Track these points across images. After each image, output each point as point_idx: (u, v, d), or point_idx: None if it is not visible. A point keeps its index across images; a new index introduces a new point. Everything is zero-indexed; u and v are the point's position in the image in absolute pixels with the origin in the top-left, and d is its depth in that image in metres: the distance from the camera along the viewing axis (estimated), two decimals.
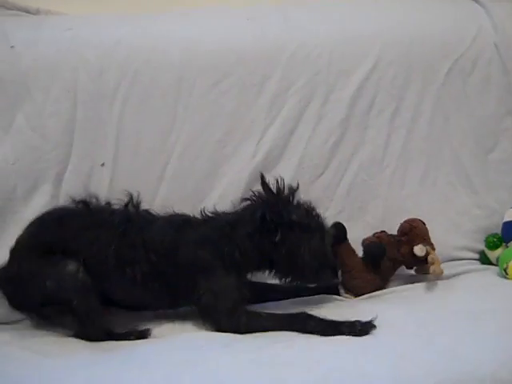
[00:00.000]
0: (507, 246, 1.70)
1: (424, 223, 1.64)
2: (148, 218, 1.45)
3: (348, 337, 1.34)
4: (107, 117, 1.59)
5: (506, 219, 1.72)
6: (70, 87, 1.57)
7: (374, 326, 1.34)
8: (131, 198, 1.45)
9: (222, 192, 1.62)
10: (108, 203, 1.46)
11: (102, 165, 1.57)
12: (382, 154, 1.71)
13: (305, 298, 1.55)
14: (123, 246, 1.40)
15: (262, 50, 1.67)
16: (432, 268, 1.59)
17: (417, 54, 1.74)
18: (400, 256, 1.61)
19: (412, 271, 1.66)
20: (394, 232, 1.65)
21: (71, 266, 1.36)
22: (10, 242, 1.46)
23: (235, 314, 1.38)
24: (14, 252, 1.43)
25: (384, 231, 1.65)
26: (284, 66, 1.67)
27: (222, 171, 1.63)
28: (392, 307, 1.50)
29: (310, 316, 1.38)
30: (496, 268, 1.68)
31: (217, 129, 1.64)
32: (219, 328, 1.38)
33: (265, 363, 1.24)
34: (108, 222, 1.42)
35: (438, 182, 1.74)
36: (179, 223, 1.44)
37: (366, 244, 1.58)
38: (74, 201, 1.45)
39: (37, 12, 1.77)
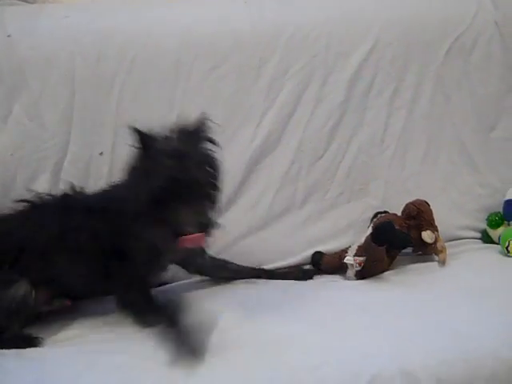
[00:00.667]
0: (509, 225, 1.70)
1: (429, 205, 1.64)
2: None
3: (351, 318, 1.33)
4: (105, 104, 1.58)
5: (508, 197, 1.72)
6: (68, 75, 1.56)
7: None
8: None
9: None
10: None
11: (101, 154, 1.57)
12: (381, 135, 1.70)
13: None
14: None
15: (260, 34, 1.66)
16: (442, 256, 1.59)
17: (416, 34, 1.73)
18: None
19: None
20: (397, 212, 1.64)
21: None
22: None
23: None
24: None
25: (386, 211, 1.64)
26: (282, 49, 1.66)
27: (220, 155, 1.62)
28: (394, 287, 1.50)
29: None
30: (498, 247, 1.68)
31: (215, 113, 1.61)
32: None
33: None
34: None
35: (440, 162, 1.73)
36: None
37: (379, 224, 1.56)
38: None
39: (34, 1, 1.76)
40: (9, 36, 1.56)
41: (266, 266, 1.59)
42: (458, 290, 1.44)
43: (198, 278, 1.54)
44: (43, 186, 1.52)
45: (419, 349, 1.23)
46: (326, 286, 1.54)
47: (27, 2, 1.76)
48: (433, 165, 1.73)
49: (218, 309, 1.37)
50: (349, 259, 1.54)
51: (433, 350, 1.23)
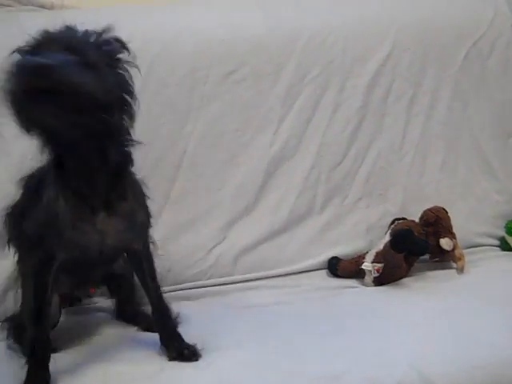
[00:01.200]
0: None
1: (447, 212, 1.63)
2: None
3: (370, 325, 1.33)
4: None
5: None
6: None
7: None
8: None
9: (240, 181, 1.61)
10: None
11: None
12: (400, 141, 1.70)
13: None
14: None
15: (276, 39, 1.66)
16: (460, 263, 1.59)
17: (433, 39, 1.73)
18: None
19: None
20: (415, 219, 1.64)
21: None
22: None
23: None
24: None
25: (404, 218, 1.64)
26: (299, 54, 1.66)
27: (239, 160, 1.62)
28: (413, 294, 1.50)
29: None
30: None
31: (233, 118, 1.63)
32: None
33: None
34: None
35: (458, 168, 1.73)
36: None
37: (398, 231, 1.56)
38: None
39: (51, 7, 1.77)
40: None
41: (285, 269, 1.59)
42: (476, 297, 1.43)
43: None
44: None
45: (439, 356, 1.22)
46: (344, 291, 1.54)
47: (45, 7, 1.77)
48: (451, 171, 1.73)
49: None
50: (367, 265, 1.54)
51: (452, 358, 1.21)
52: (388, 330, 1.30)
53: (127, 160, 1.17)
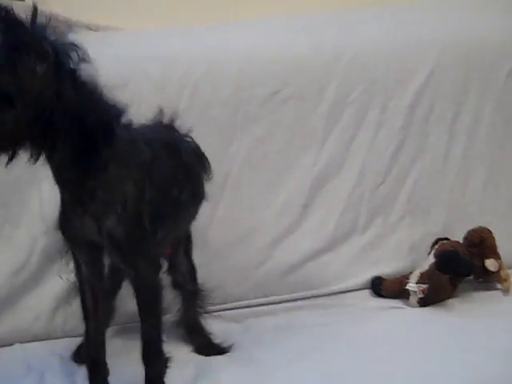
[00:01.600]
0: None
1: (491, 232, 1.64)
2: None
3: (417, 348, 1.34)
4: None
5: None
6: (135, 101, 1.56)
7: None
8: None
9: (284, 200, 1.63)
10: None
11: None
12: (442, 160, 1.71)
13: None
14: None
15: (320, 59, 1.68)
16: (506, 285, 1.60)
17: (475, 57, 1.73)
18: None
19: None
20: (458, 239, 1.65)
21: None
22: None
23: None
24: None
25: (447, 238, 1.64)
26: (341, 74, 1.67)
27: (283, 180, 1.64)
28: (460, 316, 1.50)
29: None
30: None
31: (277, 138, 1.65)
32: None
33: None
34: None
35: (501, 188, 1.73)
36: None
37: (445, 252, 1.57)
38: None
39: (97, 28, 1.81)
40: None
41: (330, 288, 1.61)
42: None
43: None
44: None
45: (488, 381, 1.22)
46: (388, 312, 1.54)
47: (91, 29, 1.81)
48: (494, 191, 1.73)
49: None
50: (412, 286, 1.55)
51: (499, 380, 1.22)
52: (437, 354, 1.31)
53: (93, 151, 1.09)
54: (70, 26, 1.76)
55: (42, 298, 1.50)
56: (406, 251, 1.67)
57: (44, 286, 1.51)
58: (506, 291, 1.60)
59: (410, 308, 1.55)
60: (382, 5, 1.87)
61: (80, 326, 1.34)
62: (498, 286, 1.62)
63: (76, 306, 1.39)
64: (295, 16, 1.79)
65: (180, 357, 1.30)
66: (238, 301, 1.57)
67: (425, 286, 1.53)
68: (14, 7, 1.62)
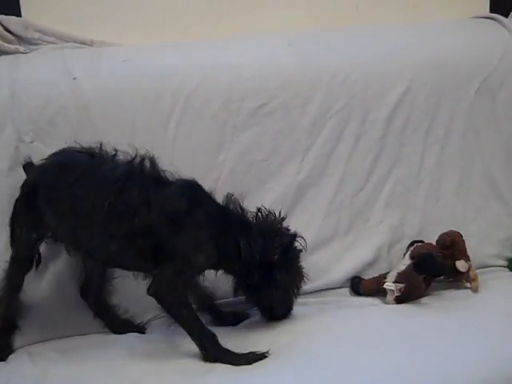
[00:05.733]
0: None
1: (461, 235, 1.75)
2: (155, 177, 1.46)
3: (395, 340, 1.44)
4: (163, 140, 1.69)
5: None
6: (129, 115, 1.67)
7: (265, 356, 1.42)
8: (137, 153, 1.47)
9: (269, 206, 1.67)
10: (114, 155, 1.49)
11: None
12: (417, 168, 1.81)
13: None
14: (119, 200, 1.41)
15: (304, 75, 1.78)
16: (475, 284, 1.70)
17: (447, 75, 1.84)
18: None
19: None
20: (431, 241, 1.76)
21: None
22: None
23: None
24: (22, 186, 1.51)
25: (422, 240, 1.76)
26: (324, 89, 1.77)
27: (268, 187, 1.74)
28: (433, 312, 1.61)
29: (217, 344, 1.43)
30: None
31: (263, 148, 1.75)
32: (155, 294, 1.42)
33: None
34: (107, 176, 1.44)
35: (471, 194, 1.84)
36: (195, 195, 1.46)
37: (421, 254, 1.68)
38: (81, 148, 1.50)
39: (91, 43, 1.87)
40: (75, 79, 1.67)
41: (312, 285, 1.70)
42: (492, 315, 1.55)
43: None
44: None
45: (462, 369, 1.33)
46: (368, 309, 1.65)
47: (86, 44, 1.89)
48: (465, 197, 1.84)
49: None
50: (389, 285, 1.65)
51: (475, 371, 1.33)
52: (414, 347, 1.41)
53: None
54: (66, 40, 1.86)
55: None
56: (385, 253, 1.78)
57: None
58: (474, 290, 1.70)
59: (386, 305, 1.66)
60: (361, 23, 1.99)
61: None
62: (467, 285, 1.72)
63: None
64: (281, 33, 1.89)
65: None
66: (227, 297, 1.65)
67: (401, 285, 1.64)
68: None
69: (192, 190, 1.48)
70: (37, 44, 1.82)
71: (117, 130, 1.66)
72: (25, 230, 1.48)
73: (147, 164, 1.47)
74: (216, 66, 1.77)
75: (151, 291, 1.42)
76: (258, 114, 1.74)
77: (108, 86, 1.70)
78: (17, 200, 1.51)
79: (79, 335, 1.61)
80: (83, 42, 1.88)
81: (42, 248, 1.54)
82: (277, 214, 1.53)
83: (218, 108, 1.73)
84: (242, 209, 1.51)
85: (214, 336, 1.43)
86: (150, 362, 1.44)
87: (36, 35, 1.82)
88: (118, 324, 1.62)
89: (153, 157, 1.49)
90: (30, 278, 1.54)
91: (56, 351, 1.53)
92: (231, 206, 1.50)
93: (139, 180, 1.45)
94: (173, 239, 1.41)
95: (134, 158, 1.48)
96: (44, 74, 1.70)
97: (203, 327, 1.44)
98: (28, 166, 1.53)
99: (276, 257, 1.46)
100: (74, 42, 1.87)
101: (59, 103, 1.65)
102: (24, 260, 1.51)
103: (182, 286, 1.43)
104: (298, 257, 1.54)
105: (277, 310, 1.55)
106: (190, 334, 1.43)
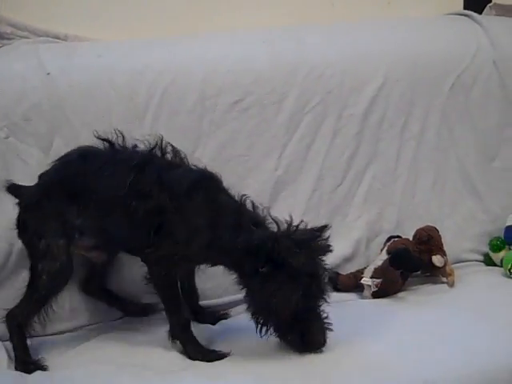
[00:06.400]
0: (510, 249, 1.82)
1: (437, 230, 1.76)
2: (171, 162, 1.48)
3: (372, 335, 1.45)
4: (139, 136, 1.63)
5: (509, 223, 1.85)
6: (104, 111, 1.66)
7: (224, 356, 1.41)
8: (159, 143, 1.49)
9: None
10: (134, 145, 1.51)
11: None
12: (394, 164, 1.83)
13: None
14: (137, 181, 1.43)
15: (279, 71, 1.78)
16: (451, 279, 1.72)
17: (422, 72, 1.86)
18: None
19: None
20: (408, 236, 1.77)
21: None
22: None
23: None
24: (37, 186, 1.50)
25: (399, 236, 1.77)
26: (299, 85, 1.78)
27: (246, 183, 1.72)
28: (410, 306, 1.62)
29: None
30: (500, 269, 1.80)
31: (240, 144, 1.74)
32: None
33: None
34: (127, 159, 1.46)
35: (446, 190, 1.86)
36: (207, 184, 1.45)
37: (397, 249, 1.69)
38: (99, 139, 1.50)
39: (65, 38, 1.84)
40: (48, 74, 1.65)
41: None
42: (468, 309, 1.57)
43: None
44: None
45: (439, 363, 1.34)
46: (345, 304, 1.65)
47: (60, 39, 1.86)
48: (440, 192, 1.86)
49: None
50: (366, 280, 1.66)
51: (451, 365, 1.34)
52: (391, 340, 1.42)
53: None
54: (39, 35, 1.83)
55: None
56: (363, 248, 1.79)
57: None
58: (450, 284, 1.72)
59: (363, 300, 1.67)
60: (336, 20, 2.00)
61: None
62: (444, 279, 1.74)
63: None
64: (256, 30, 1.89)
65: None
66: (211, 298, 1.66)
67: (378, 280, 1.65)
68: None
69: (199, 175, 1.46)
70: (9, 38, 1.79)
71: (92, 125, 1.63)
72: (50, 238, 1.45)
73: (164, 150, 1.49)
74: (191, 61, 1.76)
75: (147, 263, 1.44)
76: (234, 110, 1.74)
77: (82, 82, 1.68)
78: (23, 214, 1.49)
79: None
80: (57, 37, 1.85)
81: None
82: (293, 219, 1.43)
83: (193, 103, 1.72)
84: (256, 208, 1.46)
85: (187, 321, 1.44)
86: (124, 358, 1.44)
87: (8, 29, 1.79)
88: (137, 308, 1.62)
89: (168, 144, 1.50)
90: None
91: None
92: (248, 205, 1.45)
93: (156, 162, 1.47)
94: (174, 219, 1.41)
95: (153, 147, 1.49)
96: (17, 69, 1.67)
97: (180, 309, 1.45)
98: (15, 187, 1.53)
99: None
100: (48, 36, 1.84)
101: (33, 98, 1.62)
102: (61, 270, 1.46)
103: (171, 264, 1.42)
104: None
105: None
106: (166, 311, 1.46)
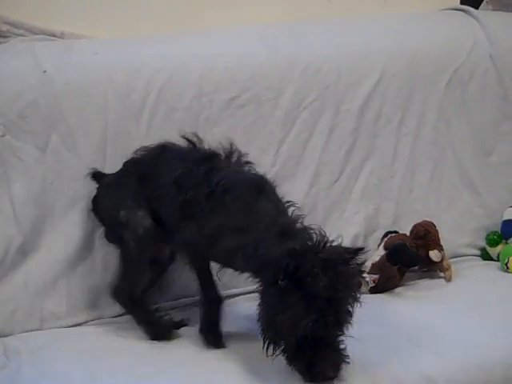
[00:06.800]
0: (507, 243, 1.83)
1: (434, 225, 1.76)
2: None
3: (373, 329, 1.44)
4: (136, 133, 1.68)
5: (505, 218, 1.86)
6: (101, 108, 1.66)
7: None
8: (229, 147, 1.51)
9: None
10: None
11: None
12: (391, 159, 1.83)
13: None
14: (186, 174, 1.46)
15: (276, 67, 1.78)
16: (448, 273, 1.72)
17: (418, 67, 1.87)
18: None
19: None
20: (405, 231, 1.77)
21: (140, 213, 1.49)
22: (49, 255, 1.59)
23: None
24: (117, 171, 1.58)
25: (396, 231, 1.77)
26: (296, 81, 1.78)
27: None
28: (408, 301, 1.63)
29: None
30: (497, 263, 1.81)
31: (236, 140, 1.70)
32: None
33: None
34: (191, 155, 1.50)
35: (443, 185, 1.87)
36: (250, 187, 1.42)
37: (394, 245, 1.69)
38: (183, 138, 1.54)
39: (61, 35, 1.84)
40: (44, 72, 1.65)
41: None
42: (465, 303, 1.58)
43: None
44: (81, 213, 1.62)
45: (436, 357, 1.35)
46: None
47: (56, 36, 1.85)
48: (437, 187, 1.86)
49: None
50: (364, 276, 1.66)
51: (449, 358, 1.35)
52: (389, 336, 1.43)
53: None
54: (35, 33, 1.83)
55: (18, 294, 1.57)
56: (360, 243, 1.77)
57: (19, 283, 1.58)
58: (448, 279, 1.73)
59: (361, 296, 1.67)
60: (333, 15, 2.00)
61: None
62: (441, 274, 1.75)
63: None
64: (253, 26, 1.89)
65: None
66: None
67: (376, 275, 1.65)
68: None
69: (244, 178, 1.46)
70: (5, 36, 1.78)
71: (88, 123, 1.65)
72: (128, 210, 1.51)
73: (230, 153, 1.51)
74: (188, 58, 1.76)
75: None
76: (231, 106, 1.74)
77: (79, 79, 1.68)
78: (101, 192, 1.58)
79: None
80: (53, 35, 1.84)
81: None
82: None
83: (190, 100, 1.72)
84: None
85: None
86: (124, 355, 1.43)
87: (5, 27, 1.78)
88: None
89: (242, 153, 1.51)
90: None
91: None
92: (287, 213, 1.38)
93: (214, 161, 1.48)
94: (206, 215, 1.41)
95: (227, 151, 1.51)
96: (13, 67, 1.67)
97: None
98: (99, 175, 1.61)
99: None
100: (44, 34, 1.84)
101: (29, 96, 1.62)
102: (145, 234, 1.50)
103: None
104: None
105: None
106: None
